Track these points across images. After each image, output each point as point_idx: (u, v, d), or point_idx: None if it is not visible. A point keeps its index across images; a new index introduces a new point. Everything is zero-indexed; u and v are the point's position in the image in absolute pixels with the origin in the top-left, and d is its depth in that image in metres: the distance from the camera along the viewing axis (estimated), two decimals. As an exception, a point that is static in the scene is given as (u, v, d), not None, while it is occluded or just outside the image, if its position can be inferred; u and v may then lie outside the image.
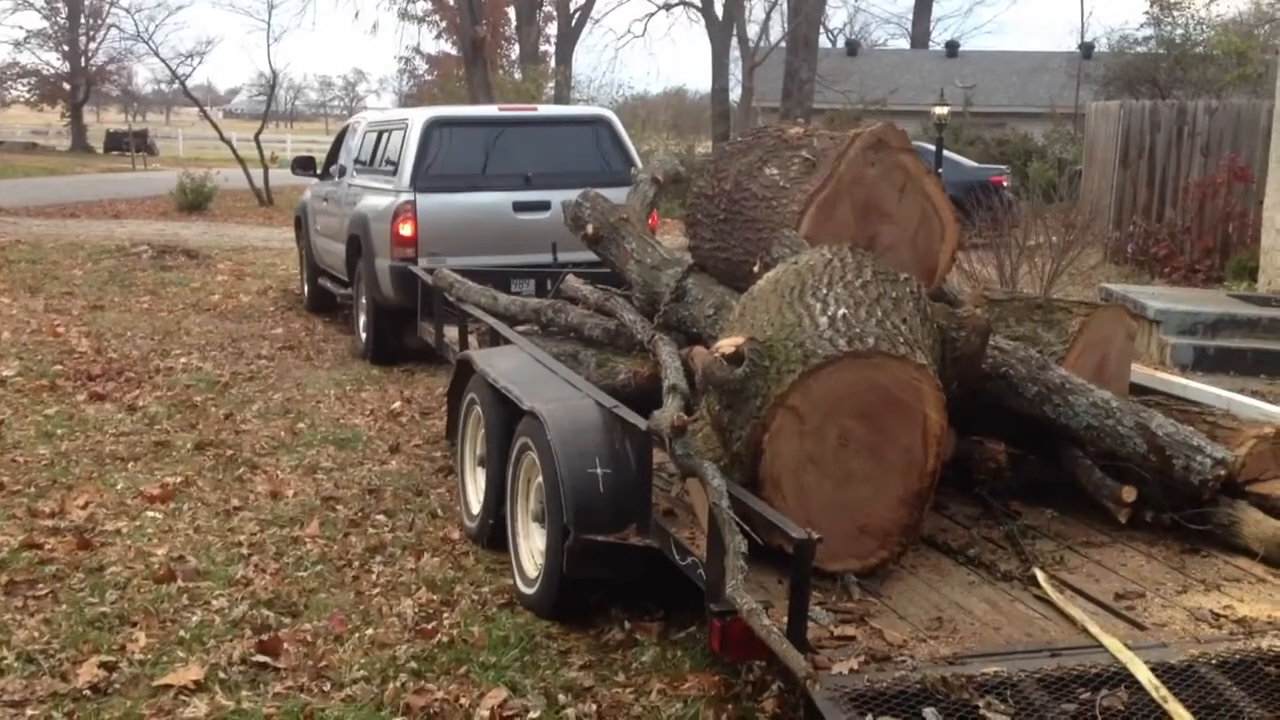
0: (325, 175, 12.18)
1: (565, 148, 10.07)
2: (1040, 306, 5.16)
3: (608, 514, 4.32)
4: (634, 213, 6.64)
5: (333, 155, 12.16)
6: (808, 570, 3.29)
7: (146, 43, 38.58)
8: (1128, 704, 3.14)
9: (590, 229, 6.41)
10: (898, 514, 3.92)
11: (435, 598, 4.84)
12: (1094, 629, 3.49)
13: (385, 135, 10.43)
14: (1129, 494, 4.26)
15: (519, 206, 9.54)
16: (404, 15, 54.66)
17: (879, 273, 4.23)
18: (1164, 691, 3.18)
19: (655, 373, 4.94)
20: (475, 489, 5.73)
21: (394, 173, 9.71)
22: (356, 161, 10.96)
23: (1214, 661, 3.34)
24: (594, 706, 3.96)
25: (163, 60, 46.78)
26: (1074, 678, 3.24)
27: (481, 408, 5.57)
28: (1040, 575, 3.87)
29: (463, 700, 3.97)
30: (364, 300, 10.12)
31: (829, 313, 3.94)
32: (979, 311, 4.39)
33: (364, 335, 10.20)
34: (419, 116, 9.96)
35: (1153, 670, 3.25)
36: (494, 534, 5.34)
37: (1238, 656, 3.36)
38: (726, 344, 3.89)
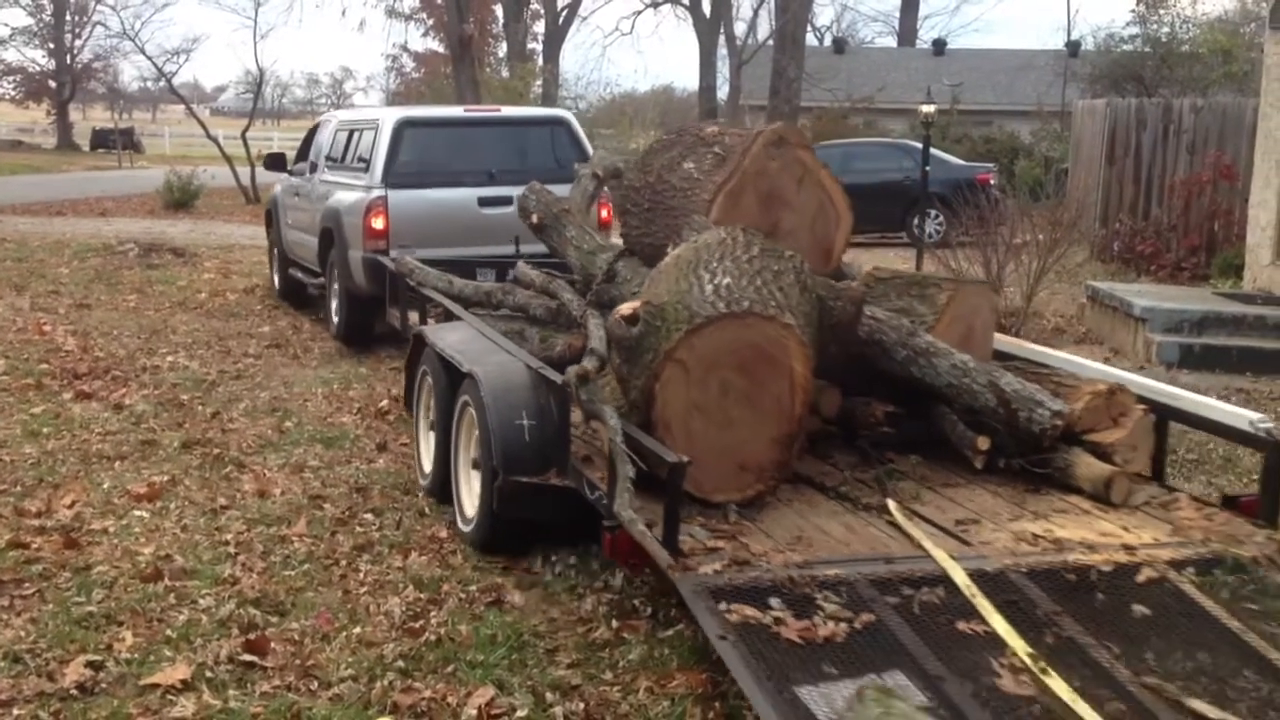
0: (296, 171, 12.55)
1: (527, 146, 10.77)
2: (917, 283, 5.85)
3: (532, 459, 5.08)
4: (575, 204, 7.38)
5: (303, 152, 12.65)
6: (679, 487, 4.10)
7: (132, 40, 38.63)
8: (943, 599, 3.80)
9: (535, 218, 7.14)
10: (771, 453, 4.58)
11: (423, 596, 4.84)
12: (927, 544, 4.14)
13: (357, 134, 11.00)
14: (983, 443, 4.97)
15: (484, 201, 10.11)
16: (391, 13, 54.46)
17: (765, 249, 4.94)
18: (974, 590, 3.81)
19: (586, 344, 5.51)
20: (428, 449, 6.39)
21: (366, 169, 10.26)
22: (328, 159, 11.46)
23: (1023, 570, 3.99)
24: (581, 705, 3.97)
25: (149, 58, 46.61)
26: (902, 579, 3.90)
27: (432, 376, 6.29)
28: (892, 504, 4.54)
29: (450, 699, 3.97)
30: (336, 289, 10.63)
31: (715, 281, 4.67)
32: (855, 285, 5.27)
33: (336, 321, 10.74)
34: (390, 116, 10.57)
35: (970, 576, 3.89)
36: (443, 489, 5.99)
37: (1044, 566, 4.03)
38: (625, 307, 4.61)
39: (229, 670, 4.17)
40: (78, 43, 58.99)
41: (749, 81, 37.06)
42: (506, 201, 9.33)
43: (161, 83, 58.02)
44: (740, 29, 42.11)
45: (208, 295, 13.43)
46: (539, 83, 37.15)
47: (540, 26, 46.75)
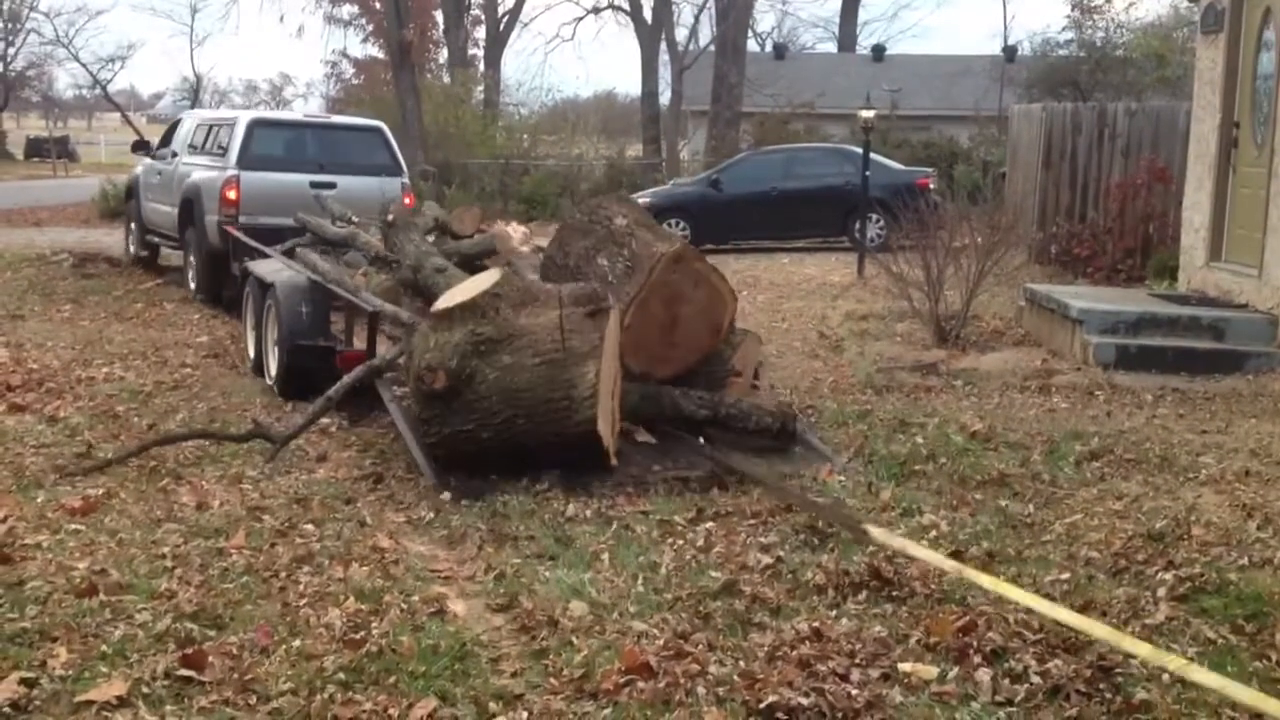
0: (158, 156, 15.77)
1: (350, 146, 14.21)
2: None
3: (307, 330, 8.75)
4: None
5: (165, 141, 15.97)
6: (375, 330, 7.90)
7: (66, 47, 38.09)
8: None
9: (390, 218, 10.06)
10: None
11: (364, 607, 4.78)
12: (914, 550, 4.82)
13: (216, 128, 14.28)
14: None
15: (314, 185, 13.00)
16: (330, 19, 54.21)
17: None
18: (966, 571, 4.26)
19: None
20: (251, 342, 9.85)
21: (224, 154, 13.40)
22: (189, 146, 14.69)
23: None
24: (525, 713, 3.94)
25: (83, 65, 46.18)
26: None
27: (252, 291, 9.85)
28: (872, 529, 5.38)
29: (391, 710, 3.93)
30: (193, 249, 13.77)
31: None
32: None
33: (194, 284, 13.77)
34: (245, 116, 14.13)
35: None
36: (259, 366, 9.48)
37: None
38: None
39: (166, 686, 4.10)
40: (11, 50, 58.09)
41: (691, 87, 37.14)
42: (332, 186, 13.04)
43: (97, 90, 57.40)
44: (682, 35, 42.24)
45: (144, 305, 13.26)
46: (480, 89, 37.07)
47: (481, 32, 46.65)
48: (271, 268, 9.71)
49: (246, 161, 13.11)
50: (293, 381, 8.59)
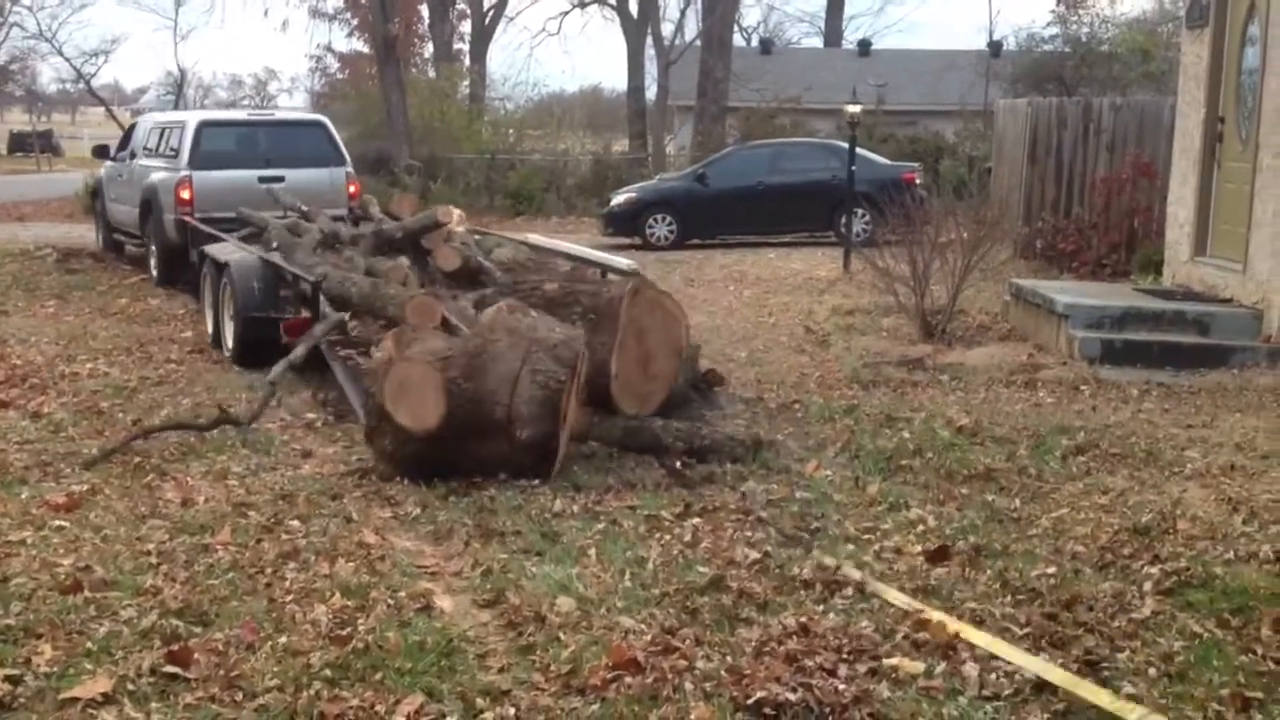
0: (118, 159, 16.89)
1: (294, 141, 15.05)
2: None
3: (259, 304, 9.68)
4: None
5: (123, 144, 17.06)
6: (318, 299, 8.82)
7: (49, 41, 37.84)
8: None
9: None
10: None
11: (350, 603, 4.77)
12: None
13: (168, 130, 15.16)
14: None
15: (261, 179, 13.83)
16: (315, 13, 53.87)
17: None
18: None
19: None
20: (210, 317, 10.81)
21: (176, 156, 14.38)
22: (144, 149, 15.69)
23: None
24: (513, 709, 3.93)
25: (67, 59, 45.80)
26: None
27: (209, 272, 10.85)
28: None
29: (378, 707, 3.92)
30: (154, 244, 14.73)
31: None
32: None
33: (156, 274, 14.68)
34: (193, 118, 15.12)
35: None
36: (216, 339, 10.51)
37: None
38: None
39: (151, 683, 4.08)
40: (-7, 44, 57.73)
41: (677, 82, 37.06)
42: (279, 180, 13.81)
43: (81, 84, 57.04)
44: (668, 29, 42.08)
45: (129, 300, 13.22)
46: (466, 84, 36.97)
47: (467, 27, 46.47)
48: (226, 250, 10.71)
49: (197, 161, 14.11)
50: (248, 351, 9.58)
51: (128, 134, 17.28)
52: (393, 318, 8.30)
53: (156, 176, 14.61)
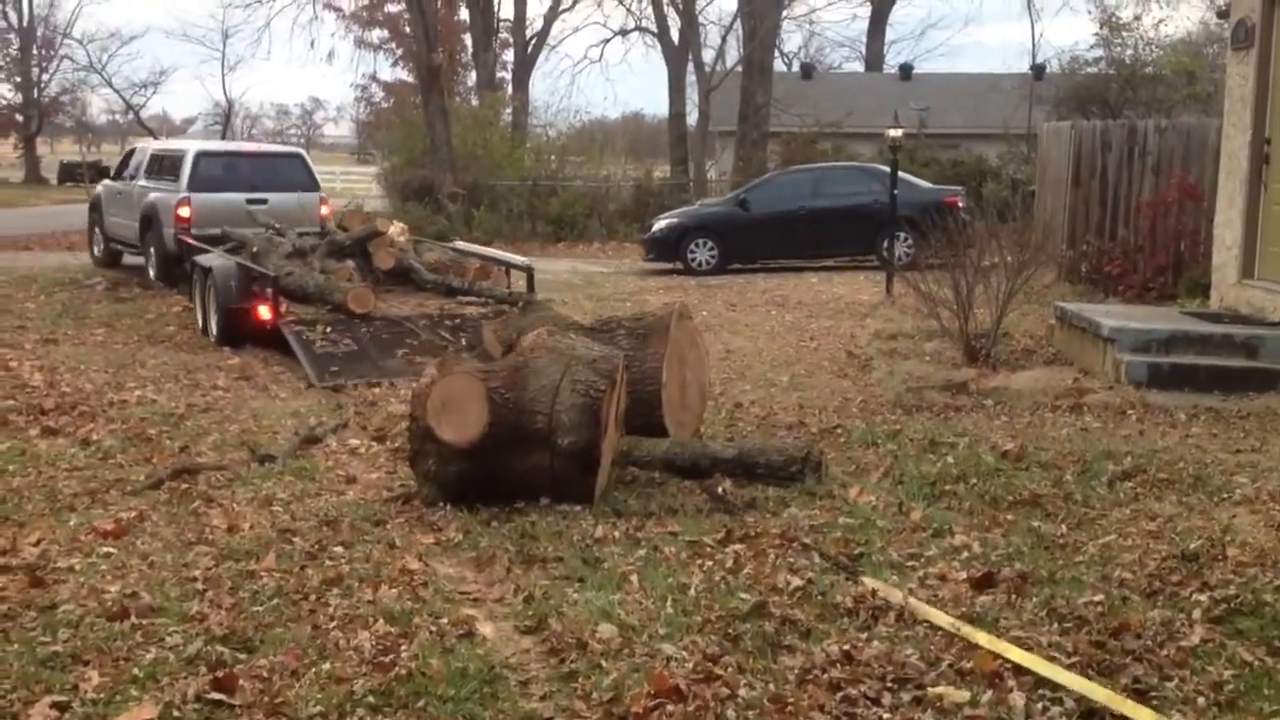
0: (117, 179, 19.43)
1: (275, 169, 17.70)
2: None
3: (237, 299, 12.26)
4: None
5: (121, 168, 19.64)
6: (278, 292, 11.93)
7: (99, 73, 38.49)
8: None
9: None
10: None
11: (393, 630, 4.78)
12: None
13: (169, 158, 17.71)
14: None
15: (249, 201, 16.45)
16: (360, 43, 54.57)
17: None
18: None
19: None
20: (200, 312, 13.17)
21: (176, 179, 16.78)
22: (145, 172, 18.09)
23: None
24: (554, 737, 3.93)
25: (116, 90, 46.59)
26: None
27: (198, 276, 13.29)
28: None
29: (421, 734, 3.93)
30: (153, 254, 17.23)
31: None
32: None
33: (154, 273, 17.12)
34: (193, 147, 17.81)
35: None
36: (204, 329, 12.87)
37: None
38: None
39: (196, 709, 4.11)
40: (45, 76, 58.75)
41: (718, 108, 37.17)
42: (264, 202, 16.55)
43: (129, 115, 57.93)
44: (709, 56, 42.27)
45: (176, 328, 13.36)
46: (508, 111, 37.19)
47: (509, 55, 46.83)
48: (209, 258, 13.30)
49: (195, 184, 16.54)
50: (227, 335, 12.27)
51: (126, 158, 19.99)
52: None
53: (156, 196, 17.06)
